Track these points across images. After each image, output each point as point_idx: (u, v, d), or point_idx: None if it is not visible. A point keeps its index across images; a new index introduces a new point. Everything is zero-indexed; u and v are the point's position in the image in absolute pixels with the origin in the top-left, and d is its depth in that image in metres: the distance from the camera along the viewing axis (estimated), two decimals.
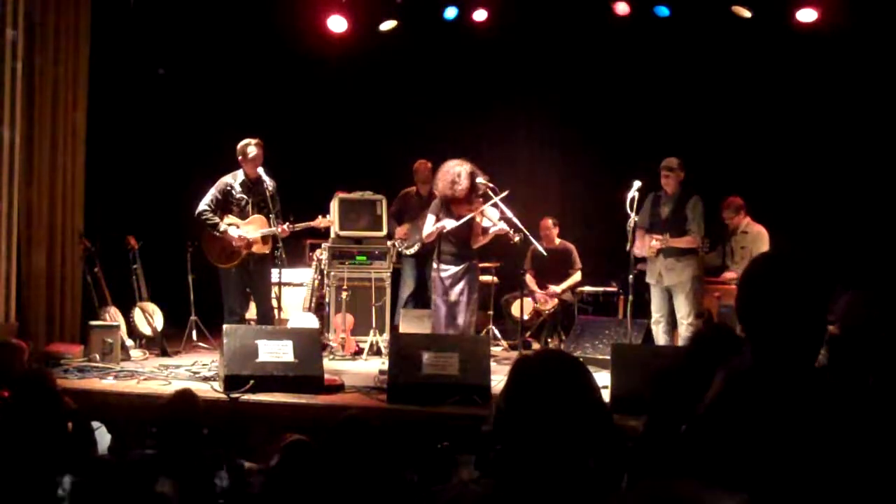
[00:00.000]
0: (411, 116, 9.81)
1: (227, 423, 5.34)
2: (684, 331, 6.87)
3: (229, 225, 7.05)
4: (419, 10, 9.43)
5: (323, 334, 7.81)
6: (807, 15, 8.62)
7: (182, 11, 9.01)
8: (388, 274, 8.27)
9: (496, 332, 8.67)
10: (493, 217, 6.75)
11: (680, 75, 9.48)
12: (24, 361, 5.31)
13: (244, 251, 7.07)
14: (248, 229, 7.10)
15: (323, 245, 8.44)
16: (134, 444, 4.25)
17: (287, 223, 7.15)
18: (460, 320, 6.66)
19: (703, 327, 6.34)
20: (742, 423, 1.87)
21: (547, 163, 10.24)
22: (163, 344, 7.58)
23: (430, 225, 6.74)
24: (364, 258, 8.20)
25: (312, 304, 8.49)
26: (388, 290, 8.24)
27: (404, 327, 7.94)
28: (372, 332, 7.93)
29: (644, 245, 7.08)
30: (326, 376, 6.11)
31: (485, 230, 6.75)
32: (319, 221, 7.76)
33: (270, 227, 7.11)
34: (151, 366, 6.83)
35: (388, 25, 9.43)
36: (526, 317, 8.30)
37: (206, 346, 7.81)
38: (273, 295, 7.38)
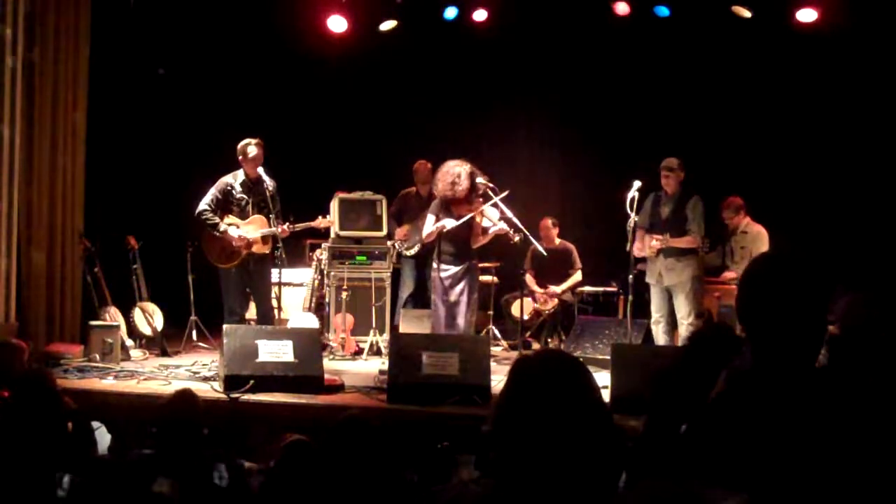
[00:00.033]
0: (411, 116, 9.81)
1: (227, 423, 5.34)
2: (684, 331, 6.87)
3: (229, 225, 7.05)
4: (419, 10, 9.43)
5: (323, 334, 7.81)
6: (807, 15, 8.62)
7: (182, 11, 9.01)
8: (388, 274, 8.27)
9: (496, 332, 8.67)
10: (493, 217, 6.76)
11: (680, 75, 9.48)
12: (24, 361, 5.30)
13: (244, 251, 7.07)
14: (248, 229, 7.10)
15: (323, 245, 8.44)
16: (134, 444, 4.25)
17: (287, 223, 7.15)
18: (460, 320, 6.66)
19: (703, 327, 6.34)
20: (742, 423, 1.87)
21: (547, 163, 10.25)
22: (163, 344, 7.57)
23: (430, 225, 6.74)
24: (364, 258, 8.20)
25: (312, 304, 8.49)
26: (388, 290, 8.24)
27: (404, 327, 7.94)
28: (372, 332, 7.93)
29: (644, 245, 7.08)
30: (326, 376, 6.10)
31: (484, 230, 6.75)
32: (319, 222, 7.77)
33: (270, 227, 7.11)
34: (151, 366, 6.82)
35: (388, 25, 9.43)
36: (526, 317, 8.30)
37: (206, 346, 7.81)
38: (273, 295, 7.38)
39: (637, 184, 6.88)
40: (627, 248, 6.92)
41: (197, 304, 7.93)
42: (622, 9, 9.13)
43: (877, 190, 8.81)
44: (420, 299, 8.38)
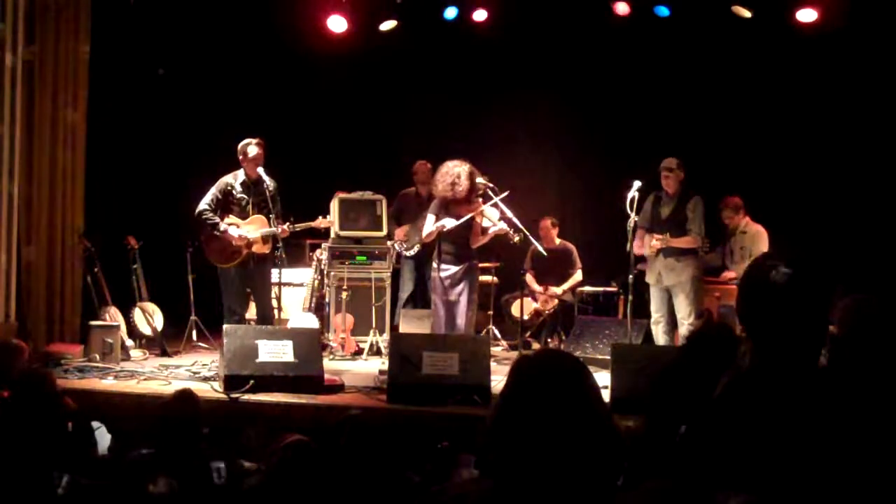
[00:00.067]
0: (411, 116, 9.81)
1: (227, 423, 5.34)
2: (684, 331, 6.86)
3: (229, 225, 7.05)
4: (419, 10, 9.42)
5: (323, 334, 7.81)
6: (807, 15, 8.61)
7: (182, 11, 9.01)
8: (388, 274, 8.27)
9: (496, 332, 8.66)
10: (492, 217, 6.75)
11: (680, 75, 9.48)
12: (24, 361, 5.30)
13: (244, 251, 7.07)
14: (248, 229, 7.09)
15: (323, 245, 8.44)
16: (134, 444, 4.25)
17: (287, 223, 7.15)
18: (460, 320, 6.66)
19: (703, 327, 6.34)
20: (743, 423, 1.87)
21: (547, 163, 10.24)
22: (163, 344, 7.57)
23: (430, 225, 6.74)
24: (364, 258, 8.20)
25: (312, 304, 8.49)
26: (388, 291, 8.24)
27: (404, 327, 7.94)
28: (372, 332, 7.92)
29: (644, 245, 7.08)
30: (326, 376, 6.10)
31: (484, 230, 6.75)
32: (320, 222, 7.77)
33: (271, 227, 7.11)
34: (151, 366, 6.82)
35: (388, 25, 9.43)
36: (526, 317, 8.31)
37: (206, 346, 7.81)
38: (273, 295, 7.38)
39: (637, 184, 6.88)
40: (627, 247, 6.91)
41: (197, 304, 7.92)
42: (622, 9, 9.12)
43: (877, 190, 8.81)
44: (420, 299, 8.37)
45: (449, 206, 6.73)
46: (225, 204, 7.11)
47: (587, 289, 8.86)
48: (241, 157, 7.11)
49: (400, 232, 8.55)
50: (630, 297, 7.14)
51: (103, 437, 5.07)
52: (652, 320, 7.16)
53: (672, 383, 2.67)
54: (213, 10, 9.21)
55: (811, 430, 1.82)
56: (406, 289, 8.56)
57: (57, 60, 7.46)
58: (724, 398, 1.98)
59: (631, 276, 6.99)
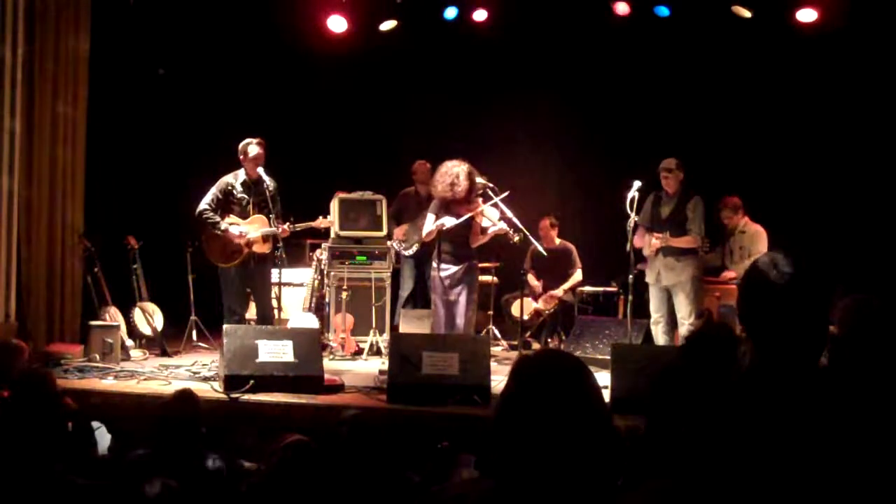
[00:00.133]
0: (411, 116, 9.81)
1: (227, 423, 5.34)
2: (684, 331, 6.86)
3: (230, 224, 7.05)
4: (419, 10, 9.43)
5: (323, 334, 7.81)
6: (807, 15, 8.61)
7: (182, 11, 9.01)
8: (388, 274, 8.27)
9: (496, 332, 8.66)
10: (492, 217, 6.75)
11: (680, 75, 9.48)
12: (24, 361, 5.31)
13: (245, 250, 7.06)
14: (248, 229, 7.09)
15: (323, 245, 8.44)
16: (134, 444, 4.25)
17: (287, 223, 7.15)
18: (460, 320, 6.66)
19: (703, 327, 6.34)
20: (744, 423, 1.87)
21: (547, 163, 10.24)
22: (163, 344, 7.57)
23: (430, 224, 6.74)
24: (364, 258, 8.20)
25: (312, 304, 8.49)
26: (388, 290, 8.24)
27: (404, 327, 7.94)
28: (372, 332, 7.92)
29: (645, 244, 7.09)
30: (326, 376, 6.10)
31: (484, 230, 6.75)
32: (320, 222, 7.77)
33: (271, 227, 7.11)
34: (151, 366, 6.82)
35: (388, 25, 9.43)
36: (526, 317, 8.30)
37: (206, 346, 7.81)
38: (273, 295, 7.38)
39: (637, 184, 6.88)
40: (627, 247, 6.91)
41: (197, 304, 7.92)
42: (622, 9, 9.13)
43: (877, 190, 8.81)
44: (420, 299, 8.38)
45: (448, 206, 6.73)
46: (225, 204, 7.10)
47: (587, 289, 8.85)
48: (241, 157, 7.11)
49: (399, 231, 8.54)
50: (630, 297, 7.14)
51: (103, 437, 5.08)
52: (651, 320, 7.16)
53: (672, 383, 2.66)
54: (212, 9, 9.21)
55: (811, 431, 1.82)
56: (406, 287, 8.57)
57: (57, 59, 7.46)
58: (724, 398, 1.98)
59: (631, 276, 6.99)
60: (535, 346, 8.56)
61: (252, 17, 9.30)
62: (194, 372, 6.53)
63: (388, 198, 8.48)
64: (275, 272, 7.29)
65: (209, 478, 3.84)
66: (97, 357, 6.75)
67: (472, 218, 6.67)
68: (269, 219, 7.12)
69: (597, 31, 9.59)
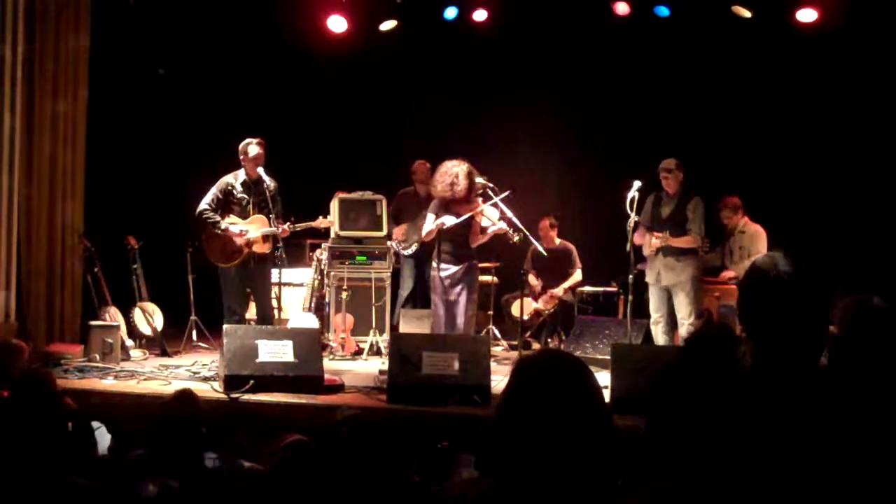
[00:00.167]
0: (411, 116, 9.81)
1: (227, 424, 5.34)
2: (684, 331, 6.86)
3: (230, 224, 7.05)
4: (419, 10, 9.43)
5: (323, 334, 7.81)
6: (807, 15, 8.62)
7: (182, 11, 9.01)
8: (388, 274, 8.27)
9: (496, 332, 8.66)
10: (492, 217, 6.76)
11: (680, 75, 9.48)
12: (24, 361, 5.31)
13: (245, 250, 7.06)
14: (248, 228, 7.09)
15: (323, 245, 8.44)
16: (134, 444, 4.25)
17: (287, 223, 7.15)
18: (460, 320, 6.66)
19: (703, 327, 6.34)
20: (745, 423, 1.87)
21: (547, 163, 10.24)
22: (163, 344, 7.57)
23: (430, 223, 6.74)
24: (364, 258, 8.20)
25: (312, 304, 8.49)
26: (388, 290, 8.24)
27: (404, 327, 7.94)
28: (372, 332, 7.92)
29: (645, 244, 7.09)
30: (326, 376, 6.10)
31: (483, 229, 6.75)
32: (320, 222, 7.77)
33: (271, 227, 7.11)
34: (151, 366, 6.82)
35: (388, 25, 9.43)
36: (526, 317, 8.30)
37: (206, 346, 7.81)
38: (273, 295, 7.38)
39: (637, 184, 6.88)
40: (627, 247, 6.91)
41: (197, 304, 7.92)
42: (622, 9, 9.13)
43: (876, 190, 8.81)
44: (420, 298, 8.37)
45: (448, 206, 6.73)
46: (225, 204, 7.11)
47: (587, 289, 8.85)
48: (241, 157, 7.11)
49: (398, 231, 8.54)
50: (630, 297, 7.14)
51: (103, 437, 5.07)
52: (651, 320, 7.16)
53: (672, 383, 2.66)
54: (212, 9, 9.21)
55: (812, 431, 1.82)
56: (406, 286, 8.57)
57: (57, 58, 7.46)
58: (725, 398, 1.98)
59: (631, 276, 6.99)
60: (535, 346, 8.56)
61: (252, 17, 9.30)
62: (194, 372, 6.53)
63: (387, 198, 8.48)
64: (275, 272, 7.29)
65: (209, 478, 3.84)
66: (97, 357, 6.75)
67: (471, 217, 6.67)
68: (269, 219, 7.12)
69: (597, 31, 9.59)
